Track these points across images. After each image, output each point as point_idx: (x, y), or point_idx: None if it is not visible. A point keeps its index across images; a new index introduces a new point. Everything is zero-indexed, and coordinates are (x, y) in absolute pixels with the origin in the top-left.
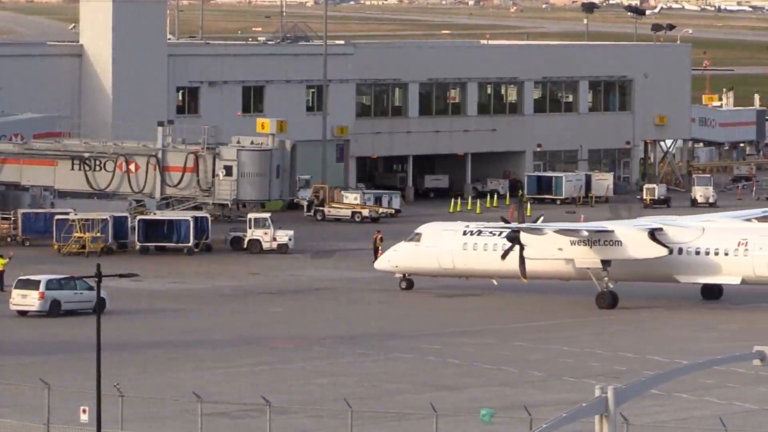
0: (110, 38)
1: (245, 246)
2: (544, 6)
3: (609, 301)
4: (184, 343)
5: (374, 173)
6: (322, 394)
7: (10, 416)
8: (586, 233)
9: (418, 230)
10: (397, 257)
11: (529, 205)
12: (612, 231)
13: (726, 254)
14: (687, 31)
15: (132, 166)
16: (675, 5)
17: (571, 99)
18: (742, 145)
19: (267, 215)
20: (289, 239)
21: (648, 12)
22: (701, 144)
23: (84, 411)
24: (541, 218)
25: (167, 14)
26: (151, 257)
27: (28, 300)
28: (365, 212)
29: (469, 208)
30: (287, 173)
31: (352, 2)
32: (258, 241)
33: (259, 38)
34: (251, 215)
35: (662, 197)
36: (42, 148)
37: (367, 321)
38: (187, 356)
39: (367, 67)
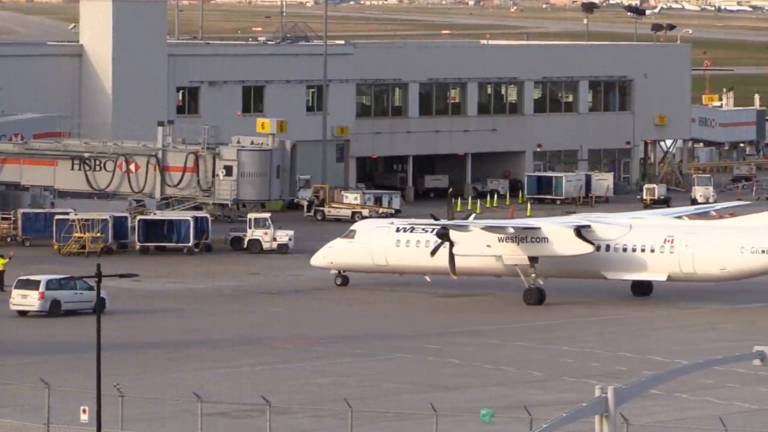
0: (110, 38)
1: (245, 246)
2: (544, 6)
3: (536, 297)
4: (184, 343)
5: (374, 173)
6: (322, 394)
7: (10, 416)
8: (512, 230)
9: (352, 227)
10: (332, 254)
11: (529, 205)
12: (539, 228)
13: (652, 251)
14: (687, 31)
15: (132, 166)
16: (675, 5)
17: (571, 99)
18: (742, 145)
19: (267, 215)
20: (289, 239)
21: (648, 12)
22: (701, 144)
23: (84, 411)
24: (473, 216)
25: (167, 14)
26: (151, 257)
27: (28, 300)
28: (365, 212)
29: (469, 207)
30: (287, 173)
31: (352, 2)
32: (258, 241)
33: (259, 38)
34: (251, 215)
35: (662, 197)
36: (42, 148)
37: (367, 321)
38: (187, 356)
39: (367, 67)
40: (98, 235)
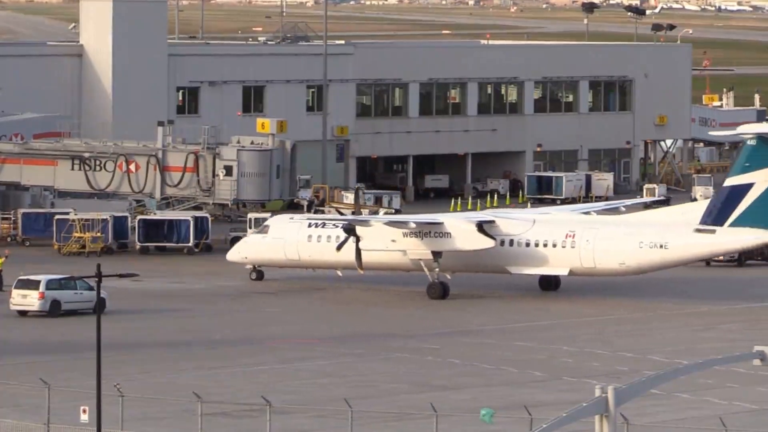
0: (110, 38)
1: None
2: (544, 6)
3: (439, 291)
4: (184, 343)
5: (374, 173)
6: (322, 394)
7: (10, 416)
8: (414, 225)
9: (266, 222)
10: (247, 249)
11: (529, 205)
12: (441, 223)
13: (554, 246)
14: (687, 31)
15: (132, 166)
16: (675, 5)
17: (571, 99)
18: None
19: (267, 215)
20: None
21: (648, 12)
22: (701, 144)
23: (84, 411)
24: (382, 212)
25: (167, 14)
26: (151, 257)
27: (28, 300)
28: (365, 212)
29: (469, 207)
30: (287, 173)
31: (352, 2)
32: None
33: (259, 38)
34: (251, 215)
35: (662, 197)
36: (42, 148)
37: (367, 321)
38: (187, 356)
39: (367, 67)
40: (98, 235)
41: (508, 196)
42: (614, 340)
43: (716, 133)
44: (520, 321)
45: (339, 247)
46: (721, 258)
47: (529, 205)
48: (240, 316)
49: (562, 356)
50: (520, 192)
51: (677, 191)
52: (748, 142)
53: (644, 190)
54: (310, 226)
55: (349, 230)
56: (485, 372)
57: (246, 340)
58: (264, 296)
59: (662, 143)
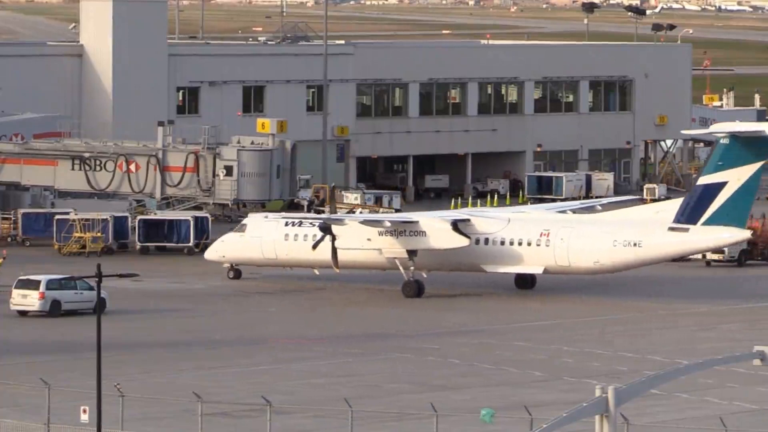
0: (110, 38)
1: None
2: (544, 6)
3: (414, 290)
4: (184, 343)
5: (375, 173)
6: (322, 394)
7: (10, 416)
8: (389, 224)
9: (243, 221)
10: (224, 248)
11: (529, 204)
12: (416, 222)
13: (529, 244)
14: (687, 31)
15: (132, 166)
16: (675, 5)
17: (571, 99)
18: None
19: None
20: None
21: (648, 12)
22: (702, 144)
23: (84, 411)
24: (358, 211)
25: (167, 14)
26: (151, 257)
27: (29, 300)
28: (366, 212)
29: (469, 207)
30: (287, 173)
31: (352, 2)
32: None
33: (259, 38)
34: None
35: (663, 197)
36: (42, 148)
37: (367, 321)
38: (187, 356)
39: (367, 67)
40: (98, 235)
41: (508, 196)
42: (614, 340)
43: (688, 132)
44: (520, 321)
45: (315, 246)
46: (721, 257)
47: (529, 204)
48: (240, 316)
49: (562, 356)
50: (520, 192)
51: (677, 191)
52: (721, 141)
53: (644, 190)
54: (287, 224)
55: (325, 229)
56: (485, 372)
57: (246, 340)
58: (263, 296)
59: (662, 143)
